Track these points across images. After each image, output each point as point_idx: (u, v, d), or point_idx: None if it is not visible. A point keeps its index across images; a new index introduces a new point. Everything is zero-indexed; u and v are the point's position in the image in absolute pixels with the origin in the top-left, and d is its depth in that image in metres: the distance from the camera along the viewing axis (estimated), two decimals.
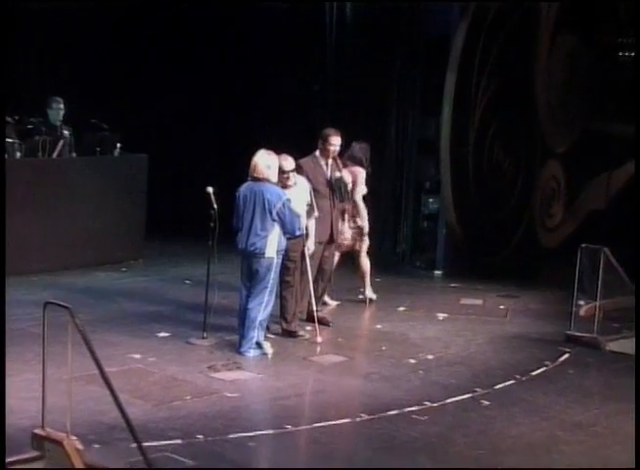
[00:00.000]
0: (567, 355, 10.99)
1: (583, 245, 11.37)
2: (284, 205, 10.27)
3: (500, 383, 9.99)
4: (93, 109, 13.91)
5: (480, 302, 13.18)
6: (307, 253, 11.03)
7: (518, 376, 10.23)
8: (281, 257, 10.45)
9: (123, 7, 15.53)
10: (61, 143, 13.50)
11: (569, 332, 11.42)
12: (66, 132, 13.60)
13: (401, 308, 12.65)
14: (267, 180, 10.32)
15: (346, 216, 12.26)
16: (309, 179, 11.30)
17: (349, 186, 11.73)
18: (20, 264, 12.71)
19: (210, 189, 10.61)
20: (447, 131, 14.54)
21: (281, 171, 10.61)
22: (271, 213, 10.22)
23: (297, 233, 10.51)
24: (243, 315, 10.44)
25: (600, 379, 10.51)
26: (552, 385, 10.10)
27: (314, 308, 11.24)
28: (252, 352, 10.37)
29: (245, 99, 15.88)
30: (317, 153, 11.59)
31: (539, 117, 15.68)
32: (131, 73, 15.33)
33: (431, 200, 15.05)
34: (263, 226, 10.24)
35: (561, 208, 16.13)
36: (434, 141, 14.73)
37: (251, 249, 10.27)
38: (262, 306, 10.35)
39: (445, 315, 12.39)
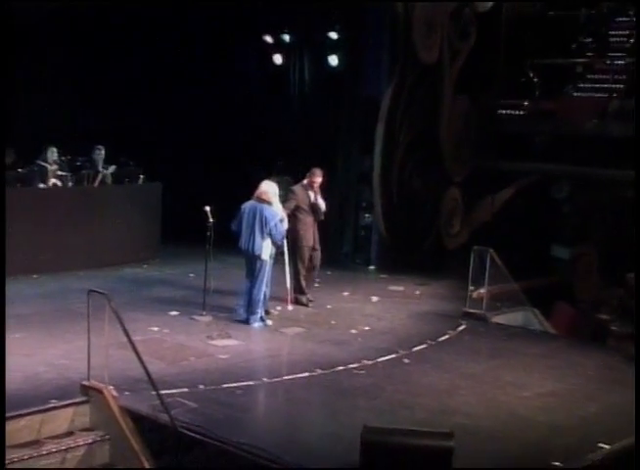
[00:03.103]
0: (463, 326, 11.03)
1: (475, 247, 11.41)
2: (280, 222, 10.37)
3: (416, 346, 10.05)
4: (123, 149, 13.87)
5: (402, 288, 13.15)
6: (286, 252, 11.13)
7: (429, 341, 10.29)
8: (272, 259, 10.53)
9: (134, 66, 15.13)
10: (100, 175, 13.54)
11: (465, 309, 11.48)
12: (103, 168, 13.62)
13: (345, 293, 12.64)
14: (269, 203, 10.39)
15: None
16: (300, 200, 11.44)
17: (322, 209, 11.77)
18: (69, 263, 12.76)
19: (208, 208, 10.59)
20: (378, 166, 14.56)
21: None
22: (267, 227, 10.27)
23: (280, 243, 10.64)
24: (248, 299, 10.45)
25: (487, 343, 10.58)
26: (453, 347, 10.18)
27: (296, 288, 11.46)
28: (257, 324, 10.41)
29: (234, 138, 15.72)
30: (305, 182, 11.64)
31: (444, 156, 15.73)
32: (152, 122, 15.16)
33: (366, 215, 15.04)
34: (261, 236, 10.28)
35: (459, 220, 16.09)
36: (369, 172, 14.79)
37: (252, 251, 10.32)
38: (261, 292, 10.41)
39: (377, 298, 12.38)
